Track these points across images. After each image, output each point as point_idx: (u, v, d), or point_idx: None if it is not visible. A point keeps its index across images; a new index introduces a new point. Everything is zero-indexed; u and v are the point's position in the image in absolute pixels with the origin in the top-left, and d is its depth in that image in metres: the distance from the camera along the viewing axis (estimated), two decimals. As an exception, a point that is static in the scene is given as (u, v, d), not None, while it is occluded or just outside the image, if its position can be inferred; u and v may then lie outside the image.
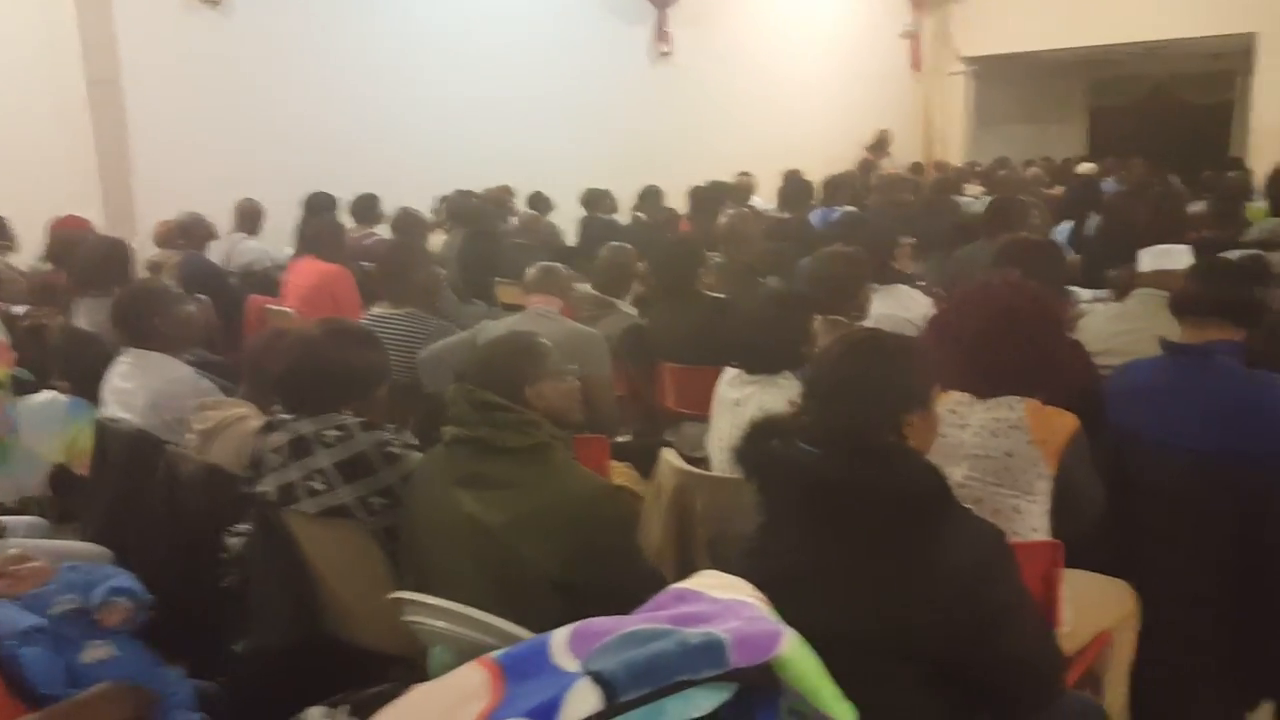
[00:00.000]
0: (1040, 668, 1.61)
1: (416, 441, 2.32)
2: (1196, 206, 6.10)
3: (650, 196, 7.70)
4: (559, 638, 1.16)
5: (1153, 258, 3.76)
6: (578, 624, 1.17)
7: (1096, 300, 3.55)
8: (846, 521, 1.56)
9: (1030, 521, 2.05)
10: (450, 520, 1.93)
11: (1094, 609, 2.15)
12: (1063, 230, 6.22)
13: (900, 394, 1.65)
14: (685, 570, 2.05)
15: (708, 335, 3.46)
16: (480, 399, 1.95)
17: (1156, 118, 13.95)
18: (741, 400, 2.69)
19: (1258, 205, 6.47)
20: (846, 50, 12.34)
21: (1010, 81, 13.79)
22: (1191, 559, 2.26)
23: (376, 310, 3.73)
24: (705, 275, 4.06)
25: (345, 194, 6.59)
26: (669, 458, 2.60)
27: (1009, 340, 2.14)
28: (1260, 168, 8.94)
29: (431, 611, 1.78)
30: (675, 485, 2.52)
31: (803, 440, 1.65)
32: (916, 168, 11.32)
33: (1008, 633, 1.52)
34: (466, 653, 1.65)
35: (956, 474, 2.03)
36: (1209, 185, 7.18)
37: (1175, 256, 3.52)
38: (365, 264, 4.98)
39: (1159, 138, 12.44)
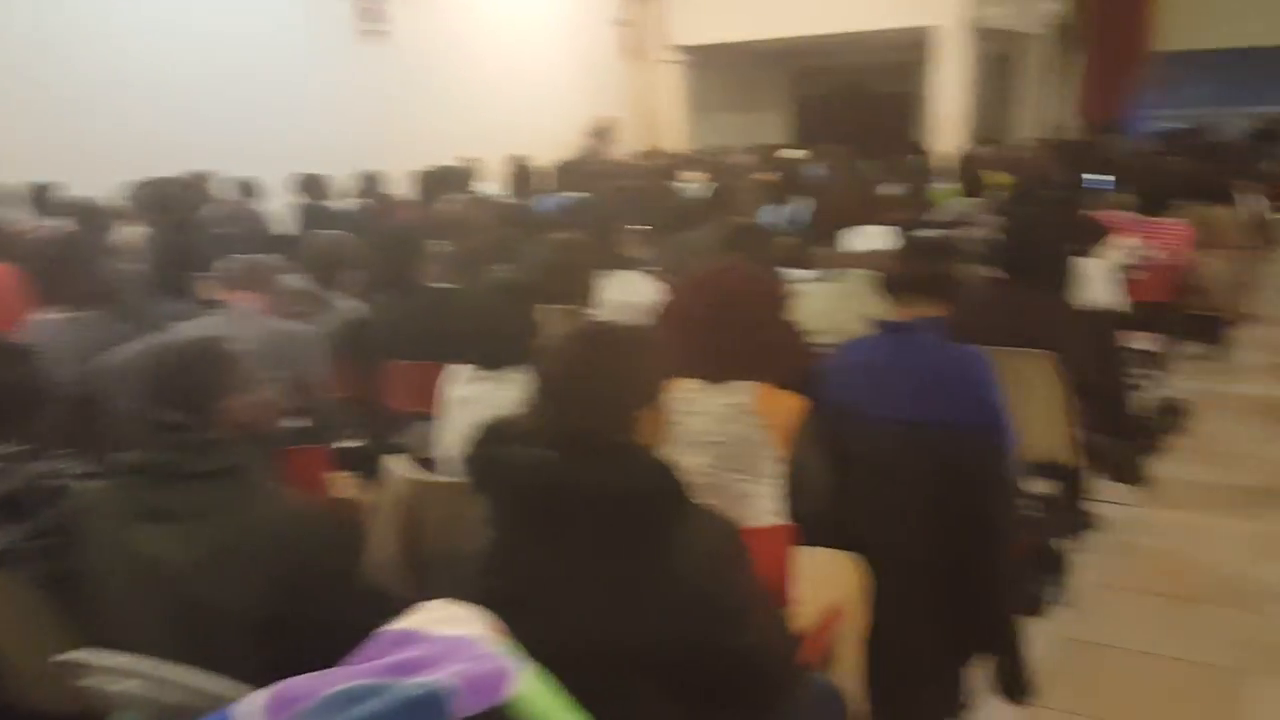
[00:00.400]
0: (775, 663, 1.59)
1: (95, 469, 2.02)
2: (889, 189, 6.56)
3: (369, 182, 7.34)
4: (253, 706, 0.98)
5: (857, 239, 3.97)
6: (276, 687, 1.00)
7: (815, 280, 3.69)
8: (577, 528, 1.46)
9: (765, 505, 2.06)
10: (131, 562, 1.66)
11: (824, 585, 2.20)
12: (780, 212, 6.49)
13: (629, 389, 1.56)
14: (418, 591, 1.89)
15: (433, 329, 3.27)
16: (161, 418, 1.68)
17: (853, 106, 15.03)
18: (471, 399, 2.55)
19: (945, 187, 7.08)
20: (563, 36, 12.38)
21: (723, 71, 14.36)
22: (908, 527, 2.37)
23: (46, 315, 3.25)
24: (430, 265, 3.86)
25: (12, 181, 5.79)
26: (395, 465, 2.40)
27: (737, 324, 2.15)
28: (938, 152, 9.84)
29: (113, 671, 1.52)
30: (404, 496, 2.33)
31: (533, 443, 1.54)
32: (644, 154, 11.54)
33: (742, 630, 1.49)
34: (159, 718, 1.44)
35: (692, 463, 2.00)
36: (896, 169, 7.75)
37: (879, 237, 3.73)
38: (35, 261, 4.36)
39: (856, 125, 13.38)
